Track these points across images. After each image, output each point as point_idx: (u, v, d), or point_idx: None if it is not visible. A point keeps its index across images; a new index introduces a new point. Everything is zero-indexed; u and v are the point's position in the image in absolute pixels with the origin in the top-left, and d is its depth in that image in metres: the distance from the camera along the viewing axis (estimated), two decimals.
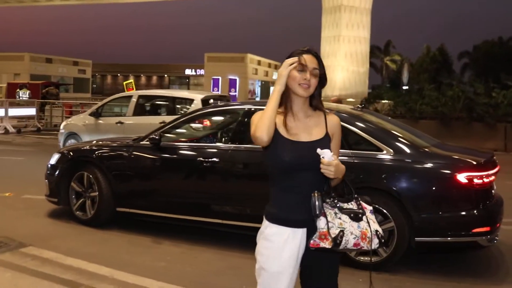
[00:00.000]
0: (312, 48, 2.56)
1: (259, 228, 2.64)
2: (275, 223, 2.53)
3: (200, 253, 5.58)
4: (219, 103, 9.19)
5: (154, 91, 15.90)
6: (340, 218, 2.42)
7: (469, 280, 4.99)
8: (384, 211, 5.01)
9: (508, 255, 5.86)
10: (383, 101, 21.58)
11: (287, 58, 2.51)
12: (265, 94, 48.24)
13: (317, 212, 2.40)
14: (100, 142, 6.85)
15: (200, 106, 9.93)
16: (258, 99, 44.92)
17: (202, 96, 10.85)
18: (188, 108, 10.57)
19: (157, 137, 5.98)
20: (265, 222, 2.58)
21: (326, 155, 2.39)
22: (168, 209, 5.99)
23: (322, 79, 2.55)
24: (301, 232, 2.53)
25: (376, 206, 4.99)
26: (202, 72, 48.22)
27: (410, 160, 5.10)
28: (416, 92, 22.21)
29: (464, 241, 4.98)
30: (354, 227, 2.42)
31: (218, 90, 44.06)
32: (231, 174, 5.71)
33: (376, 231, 2.48)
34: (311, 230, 2.48)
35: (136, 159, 6.20)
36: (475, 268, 5.43)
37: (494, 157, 5.55)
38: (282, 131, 2.50)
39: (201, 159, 5.72)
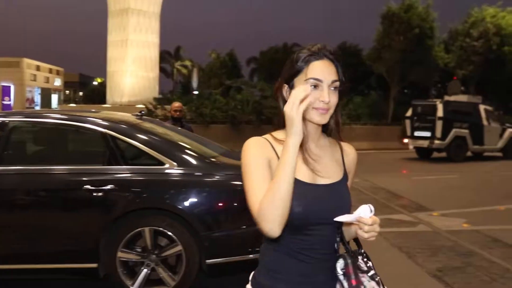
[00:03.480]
0: (325, 47, 1.71)
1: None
2: None
3: None
4: None
5: None
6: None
7: None
8: (169, 233, 4.36)
9: None
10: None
11: (289, 65, 1.70)
12: (46, 102, 44.55)
13: (355, 284, 1.67)
14: None
15: None
16: (38, 107, 41.34)
17: None
18: None
19: None
20: None
21: (365, 212, 1.61)
22: None
23: (343, 91, 1.73)
24: None
25: (160, 229, 4.36)
26: None
27: (196, 173, 4.51)
28: (206, 97, 22.32)
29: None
30: None
31: None
32: None
33: None
34: None
35: None
36: None
37: None
38: None
39: None
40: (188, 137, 5.41)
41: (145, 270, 4.40)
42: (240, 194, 4.42)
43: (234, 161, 5.05)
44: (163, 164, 4.48)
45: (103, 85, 49.71)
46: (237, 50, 49.32)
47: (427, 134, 17.97)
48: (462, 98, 20.05)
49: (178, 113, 8.20)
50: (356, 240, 1.80)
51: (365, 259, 1.75)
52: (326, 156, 1.78)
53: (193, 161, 4.58)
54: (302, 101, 1.53)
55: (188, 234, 4.35)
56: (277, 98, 1.76)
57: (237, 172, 4.64)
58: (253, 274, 1.82)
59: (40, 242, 4.46)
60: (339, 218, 1.63)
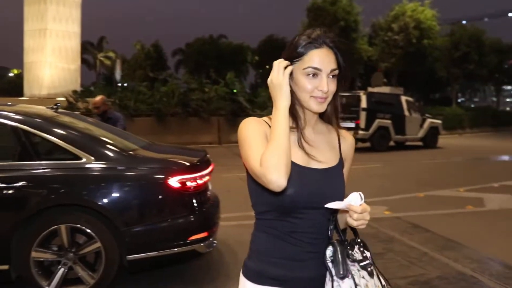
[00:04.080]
0: (326, 34, 1.68)
1: None
2: (268, 285, 1.72)
3: None
4: None
5: None
6: (363, 277, 1.66)
7: None
8: (88, 230, 4.19)
9: (228, 256, 5.63)
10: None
11: (288, 50, 1.68)
12: None
13: (341, 272, 1.63)
14: None
15: None
16: None
17: None
18: None
19: None
20: (246, 285, 1.76)
21: (355, 200, 1.61)
22: None
23: (343, 78, 1.73)
24: None
25: (77, 226, 4.18)
26: None
27: (114, 167, 4.35)
28: (130, 89, 21.80)
29: (181, 252, 4.45)
30: (378, 286, 1.70)
31: None
32: None
33: (384, 286, 1.75)
34: None
35: None
36: (195, 278, 5.00)
37: (208, 156, 5.16)
38: None
39: None
40: (108, 131, 5.22)
41: (62, 269, 4.21)
42: (159, 189, 4.34)
43: (155, 154, 4.95)
44: (80, 158, 4.29)
45: (20, 77, 47.58)
46: (163, 41, 48.46)
47: (351, 124, 18.42)
48: (385, 89, 20.76)
49: (96, 110, 7.92)
50: (353, 228, 1.76)
51: (361, 249, 1.73)
52: (322, 141, 1.78)
53: (112, 155, 4.41)
54: (285, 68, 1.63)
55: (107, 230, 4.19)
56: None
57: (157, 165, 4.53)
58: (244, 262, 1.81)
59: None
60: (329, 205, 1.62)
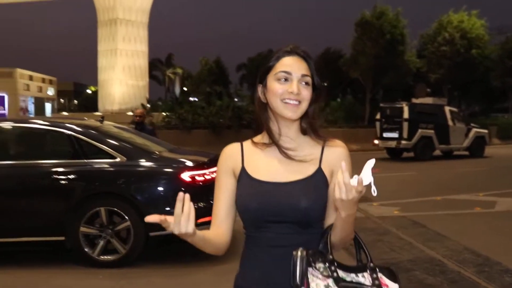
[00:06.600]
0: (298, 47, 1.72)
1: None
2: None
3: None
4: None
5: None
6: None
7: (203, 264, 5.76)
8: (121, 212, 5.57)
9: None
10: (163, 113, 22.23)
11: (265, 63, 1.72)
12: (39, 110, 45.50)
13: (297, 281, 1.48)
14: None
15: None
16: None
17: None
18: None
19: None
20: None
21: (366, 177, 1.44)
22: None
23: (317, 91, 1.71)
24: None
25: (115, 209, 5.57)
26: None
27: (140, 165, 5.76)
28: (189, 103, 23.38)
29: None
30: None
31: None
32: None
33: None
34: None
35: None
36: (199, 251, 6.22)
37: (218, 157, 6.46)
38: (251, 169, 1.73)
39: None
40: (143, 137, 6.67)
41: (102, 241, 5.60)
42: (174, 181, 5.67)
43: (176, 155, 6.33)
44: (114, 158, 5.70)
45: (96, 94, 50.97)
46: (226, 57, 50.25)
47: (395, 135, 19.03)
48: (428, 100, 21.20)
49: (138, 118, 9.48)
50: (366, 254, 1.67)
51: (375, 275, 1.59)
52: (298, 154, 1.70)
53: (140, 155, 5.83)
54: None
55: (134, 213, 5.55)
56: (256, 103, 1.77)
57: (173, 164, 5.90)
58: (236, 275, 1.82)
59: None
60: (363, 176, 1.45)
